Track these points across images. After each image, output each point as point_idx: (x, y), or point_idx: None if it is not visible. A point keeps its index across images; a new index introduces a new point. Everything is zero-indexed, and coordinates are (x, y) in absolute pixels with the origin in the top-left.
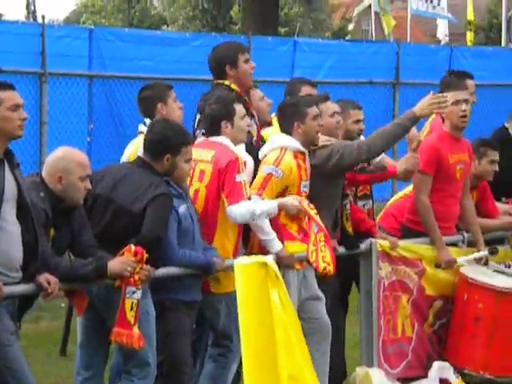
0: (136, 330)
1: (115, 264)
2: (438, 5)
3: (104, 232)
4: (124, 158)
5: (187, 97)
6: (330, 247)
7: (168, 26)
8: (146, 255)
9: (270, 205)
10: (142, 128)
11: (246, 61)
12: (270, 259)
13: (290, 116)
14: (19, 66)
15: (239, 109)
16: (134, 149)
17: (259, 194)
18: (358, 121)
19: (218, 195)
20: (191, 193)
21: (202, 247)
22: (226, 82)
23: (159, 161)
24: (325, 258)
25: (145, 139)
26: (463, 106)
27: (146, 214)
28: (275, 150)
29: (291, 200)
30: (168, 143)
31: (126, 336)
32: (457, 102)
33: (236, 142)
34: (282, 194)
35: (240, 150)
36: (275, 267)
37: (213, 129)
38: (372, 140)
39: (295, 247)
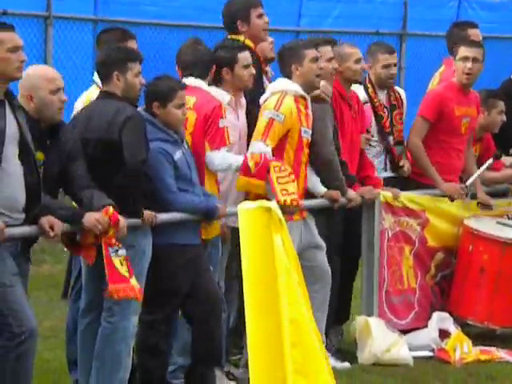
0: (134, 281)
1: (90, 218)
2: None
3: (89, 173)
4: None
5: None
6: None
7: None
8: (121, 224)
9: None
10: (96, 77)
11: (259, 16)
12: (273, 204)
13: (288, 59)
14: (24, 8)
15: (243, 57)
16: (86, 99)
17: (263, 140)
18: (387, 65)
19: (204, 142)
20: None
21: (202, 193)
22: (240, 38)
23: (111, 82)
24: (285, 191)
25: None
26: (468, 64)
27: (123, 141)
28: (275, 95)
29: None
30: (111, 59)
31: (125, 290)
32: (464, 59)
33: (236, 90)
34: (285, 138)
35: None
36: (279, 212)
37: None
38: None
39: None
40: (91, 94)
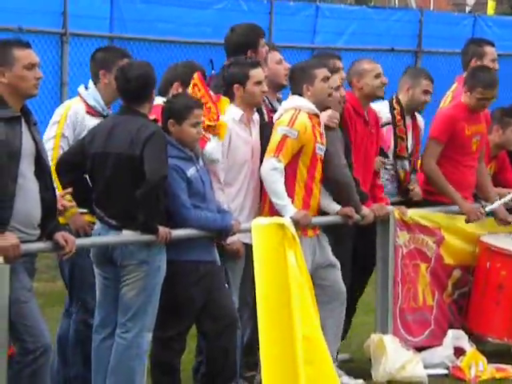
0: None
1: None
2: None
3: (107, 188)
4: (54, 121)
5: (207, 60)
6: None
7: None
8: None
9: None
10: (82, 90)
11: (263, 46)
12: (287, 220)
13: (299, 79)
14: (41, 25)
15: (255, 74)
16: (65, 111)
17: (276, 157)
18: (427, 91)
19: None
20: None
21: (217, 209)
22: None
23: (147, 103)
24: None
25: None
26: (487, 104)
27: (144, 157)
28: (289, 111)
29: None
30: (152, 82)
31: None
32: (484, 100)
33: (247, 106)
34: (298, 154)
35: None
36: (292, 228)
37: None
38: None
39: None
40: (76, 104)
